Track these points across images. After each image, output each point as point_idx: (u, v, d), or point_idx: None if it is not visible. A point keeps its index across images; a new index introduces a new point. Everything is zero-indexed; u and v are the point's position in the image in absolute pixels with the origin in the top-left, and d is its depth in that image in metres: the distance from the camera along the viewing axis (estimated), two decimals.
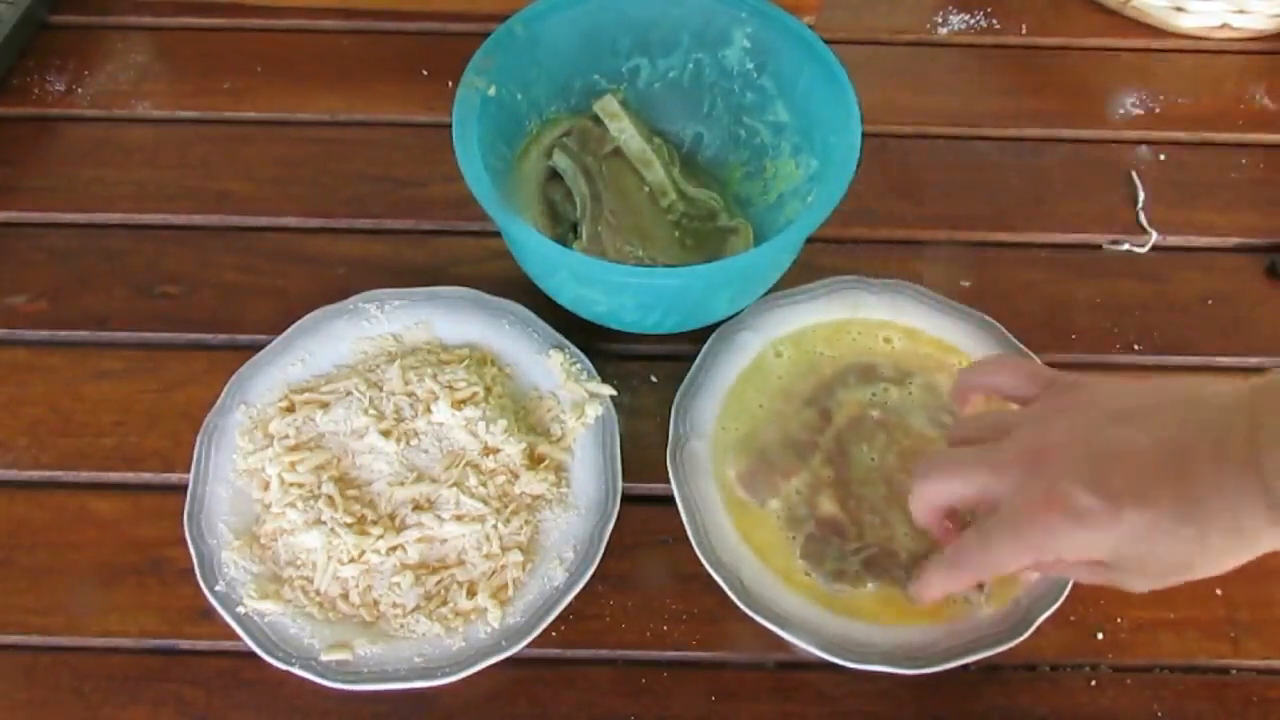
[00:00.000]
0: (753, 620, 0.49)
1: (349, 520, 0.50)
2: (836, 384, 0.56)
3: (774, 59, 0.59)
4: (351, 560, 0.50)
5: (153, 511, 0.53)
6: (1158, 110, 0.72)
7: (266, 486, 0.52)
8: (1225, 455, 0.35)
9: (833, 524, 0.52)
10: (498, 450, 0.53)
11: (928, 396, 0.56)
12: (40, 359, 0.59)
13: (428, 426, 0.54)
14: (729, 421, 0.55)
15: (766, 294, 0.58)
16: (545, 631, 0.48)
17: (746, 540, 0.51)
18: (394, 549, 0.50)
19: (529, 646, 0.48)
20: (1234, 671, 0.50)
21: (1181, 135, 0.70)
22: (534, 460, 0.54)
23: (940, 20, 0.77)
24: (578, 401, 0.55)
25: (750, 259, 0.53)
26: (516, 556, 0.50)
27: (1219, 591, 0.52)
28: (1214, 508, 0.35)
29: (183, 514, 0.51)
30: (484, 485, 0.52)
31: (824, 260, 0.61)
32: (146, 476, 0.55)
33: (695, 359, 0.57)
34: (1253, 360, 0.60)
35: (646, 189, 0.62)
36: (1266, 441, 0.34)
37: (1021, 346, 0.57)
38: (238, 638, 0.48)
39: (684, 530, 0.51)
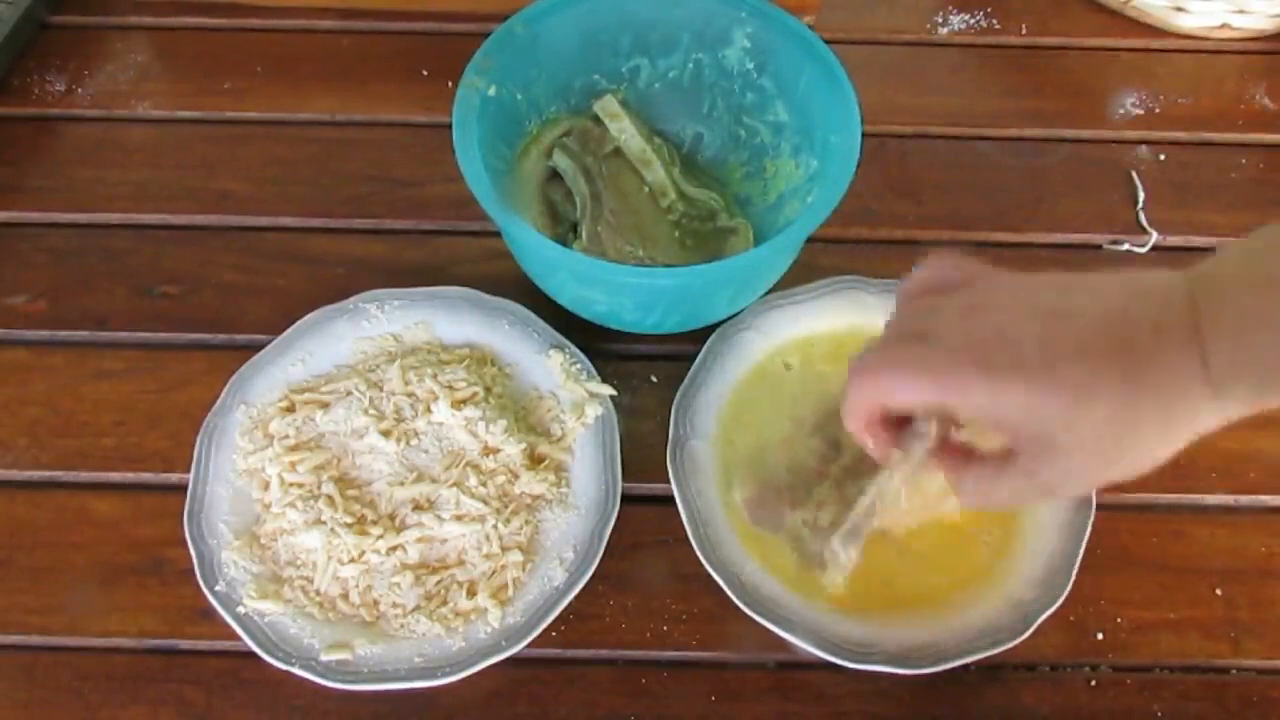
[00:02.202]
0: (753, 620, 0.49)
1: (349, 520, 0.50)
2: None
3: (774, 59, 0.59)
4: (351, 560, 0.50)
5: (153, 511, 0.53)
6: (1158, 110, 0.72)
7: (266, 486, 0.52)
8: (1165, 328, 0.35)
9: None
10: (498, 450, 0.53)
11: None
12: (40, 359, 0.59)
13: (428, 426, 0.54)
14: (734, 434, 0.55)
15: (766, 294, 0.58)
16: (545, 631, 0.48)
17: (749, 553, 0.51)
18: (394, 549, 0.50)
19: (529, 646, 0.48)
20: (1234, 671, 0.50)
21: (1181, 135, 0.70)
22: (534, 460, 0.54)
23: (940, 20, 0.77)
24: (578, 401, 0.55)
25: (750, 259, 0.53)
26: (516, 556, 0.50)
27: (1219, 591, 0.52)
28: (1152, 372, 0.35)
29: (183, 514, 0.51)
30: (484, 485, 0.52)
31: (824, 260, 0.61)
32: (146, 476, 0.55)
33: (695, 359, 0.57)
34: None
35: (646, 189, 0.62)
36: (1207, 322, 0.35)
37: None
38: (238, 638, 0.48)
39: (684, 530, 0.51)
